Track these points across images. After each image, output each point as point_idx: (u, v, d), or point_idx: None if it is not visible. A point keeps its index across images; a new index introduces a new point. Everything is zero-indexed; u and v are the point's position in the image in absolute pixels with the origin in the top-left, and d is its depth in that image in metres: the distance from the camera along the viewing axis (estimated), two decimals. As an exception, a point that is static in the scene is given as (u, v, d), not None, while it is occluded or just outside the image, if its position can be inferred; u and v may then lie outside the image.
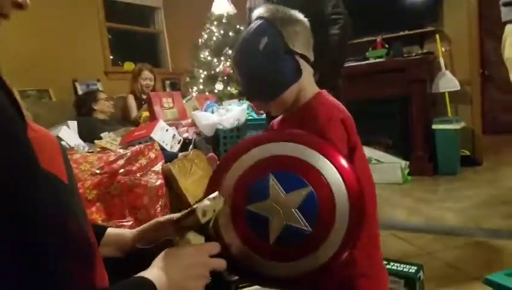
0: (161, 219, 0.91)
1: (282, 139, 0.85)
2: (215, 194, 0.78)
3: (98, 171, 1.79)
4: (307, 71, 1.07)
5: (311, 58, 1.09)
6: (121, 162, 1.86)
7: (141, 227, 0.91)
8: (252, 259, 0.80)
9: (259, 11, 1.09)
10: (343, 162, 0.83)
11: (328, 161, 0.82)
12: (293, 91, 1.05)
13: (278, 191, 0.78)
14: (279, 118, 1.21)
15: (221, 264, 0.74)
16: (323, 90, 1.12)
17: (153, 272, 0.63)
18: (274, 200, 0.78)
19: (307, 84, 1.08)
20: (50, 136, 0.60)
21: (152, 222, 0.91)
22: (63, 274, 0.45)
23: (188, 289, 0.67)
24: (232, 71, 0.92)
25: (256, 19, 1.08)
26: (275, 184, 0.78)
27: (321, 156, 0.82)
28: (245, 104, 2.74)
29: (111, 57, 4.30)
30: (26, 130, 0.48)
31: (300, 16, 1.10)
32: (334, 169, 0.81)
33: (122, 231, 0.92)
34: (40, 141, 0.49)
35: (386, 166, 3.70)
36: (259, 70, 1.03)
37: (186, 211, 0.74)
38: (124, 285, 0.59)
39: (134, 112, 3.53)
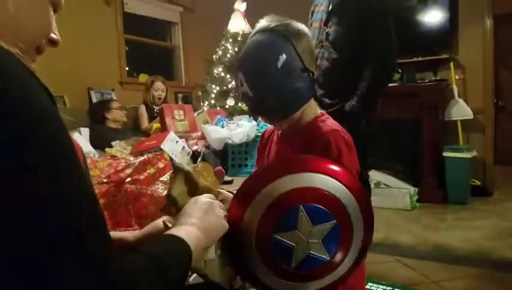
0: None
1: (310, 169, 0.86)
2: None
3: (105, 180, 1.80)
4: None
5: (315, 73, 1.08)
6: (128, 170, 1.86)
7: (144, 230, 0.91)
8: (268, 277, 0.83)
9: (269, 23, 1.04)
10: (361, 192, 0.87)
11: (350, 193, 0.85)
12: (302, 109, 1.06)
13: (306, 224, 0.80)
14: (273, 129, 1.21)
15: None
16: (323, 111, 1.13)
17: (180, 226, 0.69)
18: (301, 231, 0.80)
19: (310, 101, 1.08)
20: (75, 141, 0.62)
21: (154, 223, 0.91)
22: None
23: (212, 223, 0.74)
24: (240, 85, 0.89)
25: (269, 31, 1.02)
26: (304, 216, 0.80)
27: (345, 188, 0.85)
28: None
29: (127, 68, 4.37)
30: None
31: (306, 28, 1.07)
32: (355, 200, 0.85)
33: (124, 234, 0.92)
34: None
35: (394, 191, 3.66)
36: (276, 89, 0.99)
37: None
38: (157, 242, 0.64)
39: (145, 122, 3.58)
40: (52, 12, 0.62)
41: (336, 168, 0.88)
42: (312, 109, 1.10)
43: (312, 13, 2.19)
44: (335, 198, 0.83)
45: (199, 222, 0.71)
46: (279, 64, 0.97)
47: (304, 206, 0.80)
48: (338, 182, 0.85)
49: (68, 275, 0.42)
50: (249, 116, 3.01)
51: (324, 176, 0.85)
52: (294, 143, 1.08)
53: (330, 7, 2.03)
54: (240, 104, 3.64)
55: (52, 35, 0.63)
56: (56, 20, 0.64)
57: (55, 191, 0.44)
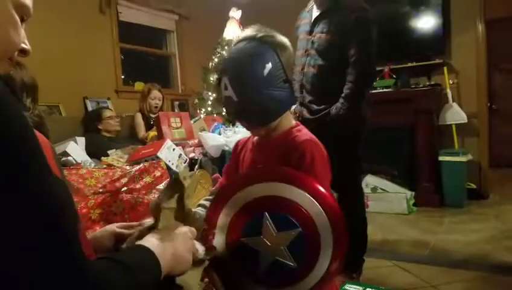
0: (117, 228, 0.91)
1: (276, 179, 0.91)
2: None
3: (100, 190, 1.79)
4: None
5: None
6: (124, 180, 1.86)
7: (92, 233, 0.91)
8: (242, 281, 0.91)
9: (256, 32, 1.06)
10: (330, 201, 0.91)
11: (316, 203, 0.89)
12: (280, 118, 1.09)
13: (270, 230, 0.87)
14: (247, 139, 1.24)
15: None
16: (298, 122, 1.17)
17: (151, 241, 0.67)
18: (266, 237, 0.87)
19: (288, 111, 1.13)
20: (42, 138, 0.63)
21: (108, 230, 0.91)
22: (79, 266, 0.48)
23: (181, 255, 0.72)
24: (224, 89, 0.90)
25: (256, 40, 1.05)
26: (268, 223, 0.87)
27: (311, 198, 0.89)
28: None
29: (122, 77, 4.36)
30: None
31: (288, 41, 1.11)
32: (322, 210, 0.88)
33: None
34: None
35: (391, 196, 3.67)
36: (259, 96, 1.02)
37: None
38: (126, 253, 0.63)
39: (142, 130, 3.57)
40: (20, 23, 0.61)
41: (307, 181, 0.92)
42: (288, 119, 1.14)
43: (298, 27, 2.31)
44: (301, 208, 0.87)
45: (175, 248, 0.70)
46: (265, 72, 1.00)
47: (269, 213, 0.87)
48: (307, 194, 0.89)
49: (46, 276, 0.45)
50: (230, 122, 3.02)
51: (294, 187, 0.89)
52: (269, 151, 1.11)
53: (314, 17, 2.16)
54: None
55: (23, 45, 0.63)
56: (25, 29, 0.63)
57: (32, 195, 0.46)
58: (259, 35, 1.06)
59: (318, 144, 1.06)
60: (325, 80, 2.10)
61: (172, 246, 0.70)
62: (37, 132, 0.62)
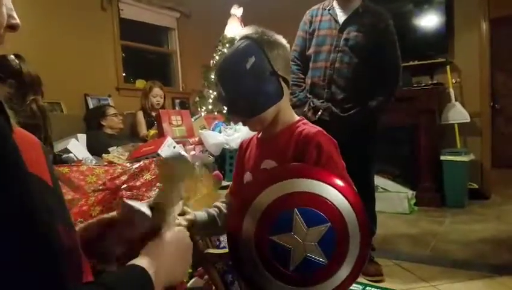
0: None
1: (304, 175, 0.91)
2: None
3: (100, 188, 1.78)
4: (286, 93, 1.12)
5: (290, 81, 1.15)
6: (124, 177, 1.85)
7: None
8: (269, 281, 0.87)
9: (247, 32, 1.12)
10: (355, 194, 0.91)
11: (342, 196, 0.89)
12: (272, 111, 1.10)
13: (301, 226, 0.85)
14: (252, 137, 1.26)
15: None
16: (302, 116, 1.19)
17: (144, 260, 0.65)
18: (297, 233, 0.84)
19: (286, 106, 1.14)
20: (30, 137, 0.59)
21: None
22: (58, 279, 0.45)
23: (176, 271, 0.71)
24: (216, 86, 0.99)
25: (244, 38, 1.11)
26: (299, 219, 0.85)
27: (337, 191, 0.89)
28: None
29: (123, 74, 4.36)
30: (11, 132, 0.47)
31: (283, 40, 1.15)
32: (348, 203, 0.88)
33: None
34: (19, 142, 0.46)
35: (392, 195, 3.66)
36: (244, 88, 1.06)
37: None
38: (119, 276, 0.60)
39: (143, 129, 3.56)
40: None
41: (330, 176, 0.92)
42: (290, 113, 1.16)
43: (310, 23, 2.32)
44: (329, 202, 0.87)
45: (169, 260, 0.69)
46: (248, 65, 1.04)
47: (299, 209, 0.85)
48: (332, 188, 0.89)
49: None
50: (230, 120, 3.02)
51: (318, 181, 0.89)
52: (275, 146, 1.12)
53: (340, 15, 2.24)
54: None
55: (11, 20, 0.56)
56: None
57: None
58: (249, 33, 1.11)
59: (328, 135, 1.08)
60: (359, 77, 2.18)
61: (167, 259, 0.68)
62: (26, 133, 0.59)
